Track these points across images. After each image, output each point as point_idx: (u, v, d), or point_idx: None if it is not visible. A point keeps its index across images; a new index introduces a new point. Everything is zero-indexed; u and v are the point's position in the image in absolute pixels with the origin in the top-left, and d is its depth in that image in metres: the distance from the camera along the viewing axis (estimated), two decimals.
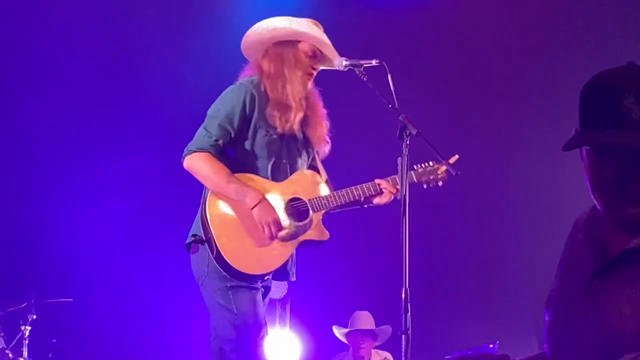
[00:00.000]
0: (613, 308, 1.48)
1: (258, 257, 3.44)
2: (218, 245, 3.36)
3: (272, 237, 3.44)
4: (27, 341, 5.42)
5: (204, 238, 3.41)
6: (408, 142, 3.11)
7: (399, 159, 3.08)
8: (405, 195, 2.99)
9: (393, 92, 3.32)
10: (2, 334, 5.41)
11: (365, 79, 3.48)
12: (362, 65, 3.50)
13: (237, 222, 3.43)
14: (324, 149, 3.76)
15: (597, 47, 6.03)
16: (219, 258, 3.36)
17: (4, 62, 5.90)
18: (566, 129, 1.62)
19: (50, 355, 5.66)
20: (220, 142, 3.46)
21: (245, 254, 3.41)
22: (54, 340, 5.68)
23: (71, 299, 5.65)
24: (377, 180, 3.63)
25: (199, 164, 3.43)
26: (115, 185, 6.17)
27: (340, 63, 3.53)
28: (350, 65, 3.52)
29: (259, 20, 3.66)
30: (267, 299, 3.66)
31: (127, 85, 6.12)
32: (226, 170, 3.44)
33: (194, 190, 3.64)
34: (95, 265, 6.04)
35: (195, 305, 5.72)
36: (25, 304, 5.46)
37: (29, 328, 5.44)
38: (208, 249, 3.40)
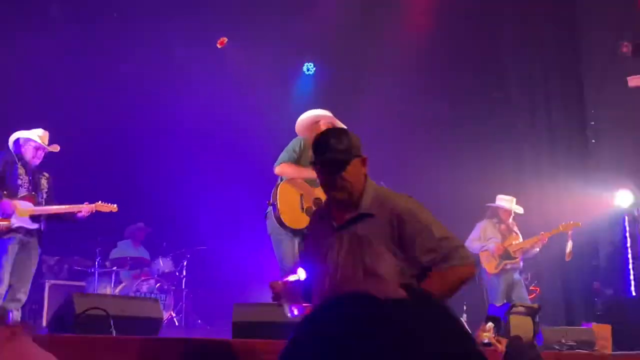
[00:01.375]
0: (351, 243, 2.53)
1: (296, 220, 5.92)
2: (279, 210, 5.92)
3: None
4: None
5: (272, 202, 5.96)
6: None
7: None
8: None
9: None
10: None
11: None
12: None
13: (291, 200, 5.97)
14: None
15: None
16: (279, 216, 5.89)
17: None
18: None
19: None
20: (292, 159, 6.09)
21: (291, 218, 5.93)
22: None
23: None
24: None
25: (286, 168, 6.03)
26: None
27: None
28: None
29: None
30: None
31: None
32: (300, 168, 6.03)
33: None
34: None
35: None
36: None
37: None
38: (273, 210, 5.93)
